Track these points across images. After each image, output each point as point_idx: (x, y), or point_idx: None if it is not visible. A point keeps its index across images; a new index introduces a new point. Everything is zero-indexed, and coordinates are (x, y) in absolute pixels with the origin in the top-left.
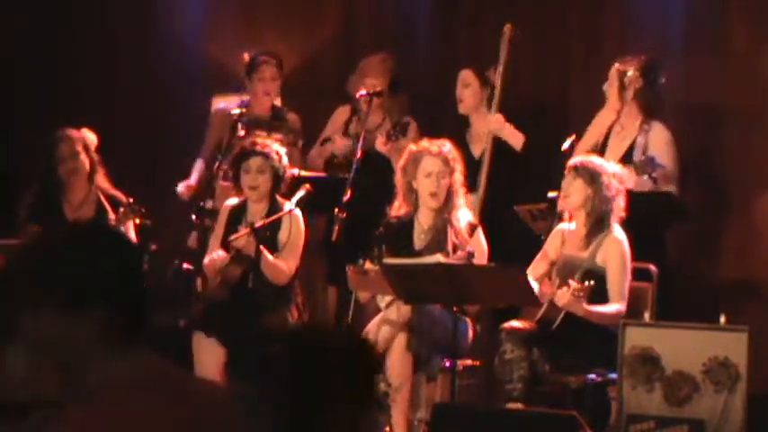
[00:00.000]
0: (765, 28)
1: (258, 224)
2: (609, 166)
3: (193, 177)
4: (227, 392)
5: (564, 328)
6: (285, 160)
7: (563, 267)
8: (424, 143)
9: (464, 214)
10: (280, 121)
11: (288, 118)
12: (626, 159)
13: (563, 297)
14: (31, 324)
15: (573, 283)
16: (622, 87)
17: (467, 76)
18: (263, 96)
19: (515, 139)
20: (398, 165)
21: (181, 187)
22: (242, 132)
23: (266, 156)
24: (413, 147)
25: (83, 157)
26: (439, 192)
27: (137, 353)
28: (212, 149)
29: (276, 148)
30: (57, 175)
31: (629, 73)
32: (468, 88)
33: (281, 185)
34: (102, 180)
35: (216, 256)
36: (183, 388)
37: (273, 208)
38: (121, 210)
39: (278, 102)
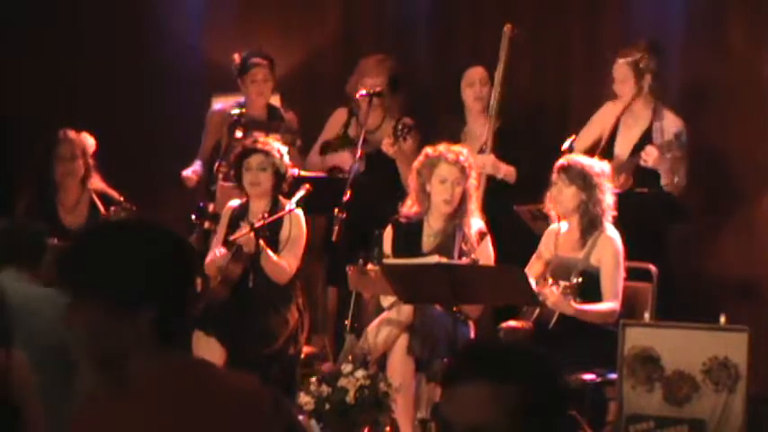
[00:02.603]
0: (765, 28)
1: (258, 223)
2: (597, 165)
3: (197, 164)
4: (264, 390)
5: (560, 328)
6: (287, 159)
7: (558, 269)
8: (442, 148)
9: (476, 221)
10: (277, 121)
11: (285, 117)
12: (639, 146)
13: (551, 296)
14: (78, 319)
15: (563, 283)
16: (640, 76)
17: (482, 75)
18: (257, 97)
19: (510, 176)
20: (413, 165)
21: (188, 171)
22: (239, 134)
23: (267, 153)
24: (429, 150)
25: (80, 160)
26: (452, 199)
27: (178, 348)
28: (210, 151)
29: (277, 146)
30: (53, 175)
31: (642, 59)
32: (485, 87)
33: (282, 184)
34: (96, 181)
35: (217, 253)
36: (222, 383)
37: (275, 207)
38: (112, 209)
39: (276, 101)
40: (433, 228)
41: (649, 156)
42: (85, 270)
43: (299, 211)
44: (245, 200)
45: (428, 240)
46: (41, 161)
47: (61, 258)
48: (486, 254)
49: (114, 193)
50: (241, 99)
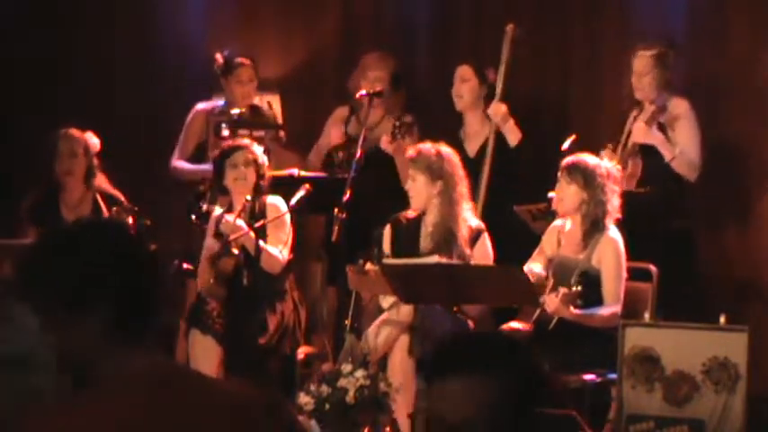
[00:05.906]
0: (766, 28)
1: (258, 224)
2: (603, 166)
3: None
4: (246, 393)
5: (559, 329)
6: (265, 159)
7: (559, 269)
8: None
9: (469, 218)
10: (257, 117)
11: (263, 113)
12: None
13: (552, 303)
14: (46, 327)
15: (563, 290)
16: (664, 70)
17: (465, 71)
18: (243, 99)
19: (513, 135)
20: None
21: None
22: (226, 132)
23: (250, 150)
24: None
25: (81, 159)
26: (414, 195)
27: (147, 350)
28: (192, 152)
29: (254, 145)
30: (54, 173)
31: (667, 54)
32: (466, 84)
33: (261, 183)
34: (100, 180)
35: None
36: (196, 385)
37: (258, 203)
38: (114, 209)
39: (276, 101)
40: (428, 227)
41: (637, 131)
42: (31, 280)
43: (278, 200)
44: (227, 207)
45: (425, 240)
46: (45, 159)
47: (15, 275)
48: (483, 252)
49: (118, 194)
50: (221, 101)
